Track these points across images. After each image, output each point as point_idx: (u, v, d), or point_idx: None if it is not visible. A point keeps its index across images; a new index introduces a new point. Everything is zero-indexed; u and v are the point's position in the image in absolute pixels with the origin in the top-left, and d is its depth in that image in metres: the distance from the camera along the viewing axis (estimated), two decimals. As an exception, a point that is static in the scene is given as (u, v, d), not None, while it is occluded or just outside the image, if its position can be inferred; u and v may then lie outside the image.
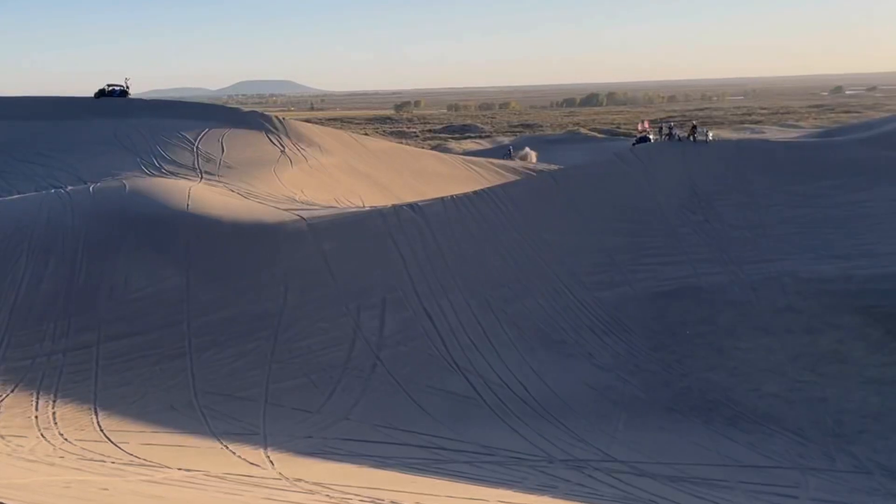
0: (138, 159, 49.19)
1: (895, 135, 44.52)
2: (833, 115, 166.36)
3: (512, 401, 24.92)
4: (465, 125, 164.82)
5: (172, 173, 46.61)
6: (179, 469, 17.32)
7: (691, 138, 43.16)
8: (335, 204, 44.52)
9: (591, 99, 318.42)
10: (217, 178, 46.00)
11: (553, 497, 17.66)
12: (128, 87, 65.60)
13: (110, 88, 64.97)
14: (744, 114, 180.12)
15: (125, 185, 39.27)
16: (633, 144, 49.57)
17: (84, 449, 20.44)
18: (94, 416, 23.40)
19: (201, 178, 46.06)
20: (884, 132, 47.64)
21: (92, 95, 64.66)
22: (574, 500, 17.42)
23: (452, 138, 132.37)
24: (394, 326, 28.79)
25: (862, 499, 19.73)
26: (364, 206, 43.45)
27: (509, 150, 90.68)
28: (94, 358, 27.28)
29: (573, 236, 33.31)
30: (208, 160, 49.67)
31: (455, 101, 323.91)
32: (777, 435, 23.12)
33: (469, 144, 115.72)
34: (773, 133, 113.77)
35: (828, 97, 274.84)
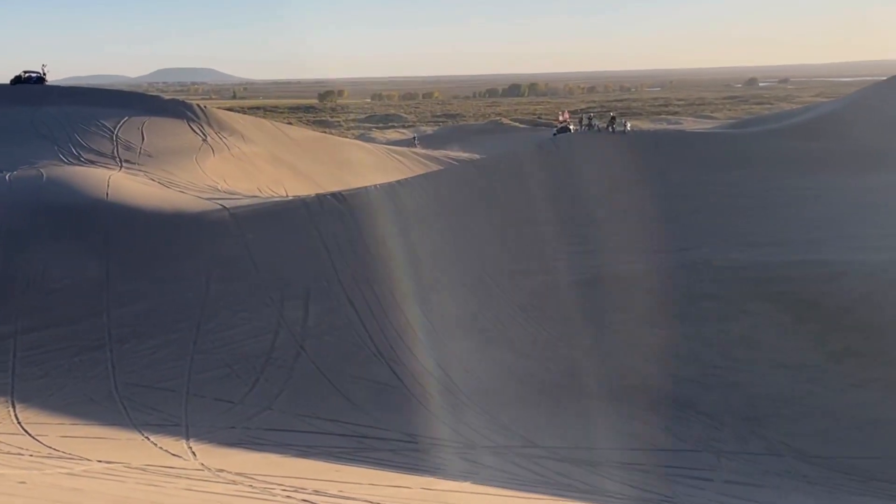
0: (56, 147, 48.11)
1: (806, 126, 45.95)
2: (747, 106, 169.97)
3: (435, 388, 25.04)
4: (388, 115, 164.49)
5: (91, 162, 45.74)
6: (99, 461, 17.12)
7: (610, 129, 43.92)
8: (258, 193, 44.24)
9: (513, 89, 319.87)
10: (137, 167, 45.30)
11: (475, 483, 17.88)
12: (45, 74, 64.10)
13: (27, 75, 63.47)
14: (661, 105, 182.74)
15: (42, 174, 38.49)
16: (554, 134, 50.19)
17: (1, 442, 20.08)
18: (10, 409, 22.95)
19: (121, 166, 45.31)
20: (795, 123, 49.13)
21: (7, 82, 63.07)
22: (496, 486, 17.65)
23: (376, 128, 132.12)
24: (318, 316, 28.75)
25: (774, 480, 20.39)
26: (287, 196, 43.27)
27: (414, 140, 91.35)
28: (10, 350, 26.74)
29: (495, 225, 33.66)
30: (128, 149, 48.85)
31: (379, 91, 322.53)
32: (692, 419, 23.67)
33: (392, 134, 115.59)
34: (689, 124, 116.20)
35: (742, 89, 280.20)
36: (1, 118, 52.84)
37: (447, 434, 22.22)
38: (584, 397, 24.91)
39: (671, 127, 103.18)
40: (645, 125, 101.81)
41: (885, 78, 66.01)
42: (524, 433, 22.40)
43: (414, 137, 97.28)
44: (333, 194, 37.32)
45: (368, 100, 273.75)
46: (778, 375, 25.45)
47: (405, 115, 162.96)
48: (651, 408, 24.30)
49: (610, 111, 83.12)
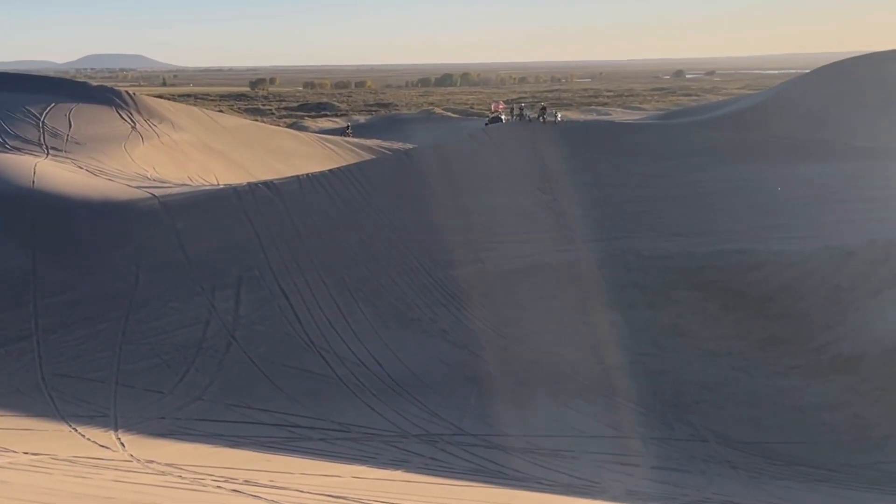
0: (-22, 134, 47.06)
1: (731, 117, 46.87)
2: (674, 97, 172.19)
3: (367, 378, 25.17)
4: (321, 103, 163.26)
5: (17, 149, 44.77)
6: (25, 453, 16.88)
7: (541, 119, 44.32)
8: (189, 182, 43.78)
9: (445, 79, 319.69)
10: (64, 155, 44.49)
11: (406, 472, 18.01)
12: None
13: None
14: (591, 96, 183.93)
15: (-35, 161, 37.63)
16: (486, 124, 50.51)
17: (-77, 435, 19.70)
18: (-68, 401, 22.51)
19: (47, 154, 44.45)
20: (720, 115, 50.14)
21: None
22: (427, 475, 17.81)
23: (308, 116, 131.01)
24: (249, 306, 28.64)
25: (699, 465, 20.86)
26: (219, 184, 42.90)
27: (347, 129, 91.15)
28: (-69, 341, 26.19)
29: (427, 215, 33.80)
30: (55, 136, 47.94)
31: (311, 80, 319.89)
32: (620, 406, 24.10)
33: (325, 123, 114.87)
34: (619, 115, 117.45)
35: (669, 80, 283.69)
36: (-78, 104, 51.48)
37: (379, 423, 22.31)
38: (514, 385, 25.20)
39: (601, 118, 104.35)
40: (575, 116, 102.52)
41: (808, 71, 67.60)
42: (455, 421, 22.59)
43: (347, 126, 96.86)
44: (265, 183, 37.14)
45: (300, 88, 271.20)
46: (704, 363, 26.06)
47: (337, 104, 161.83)
48: (580, 395, 24.67)
49: (541, 102, 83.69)
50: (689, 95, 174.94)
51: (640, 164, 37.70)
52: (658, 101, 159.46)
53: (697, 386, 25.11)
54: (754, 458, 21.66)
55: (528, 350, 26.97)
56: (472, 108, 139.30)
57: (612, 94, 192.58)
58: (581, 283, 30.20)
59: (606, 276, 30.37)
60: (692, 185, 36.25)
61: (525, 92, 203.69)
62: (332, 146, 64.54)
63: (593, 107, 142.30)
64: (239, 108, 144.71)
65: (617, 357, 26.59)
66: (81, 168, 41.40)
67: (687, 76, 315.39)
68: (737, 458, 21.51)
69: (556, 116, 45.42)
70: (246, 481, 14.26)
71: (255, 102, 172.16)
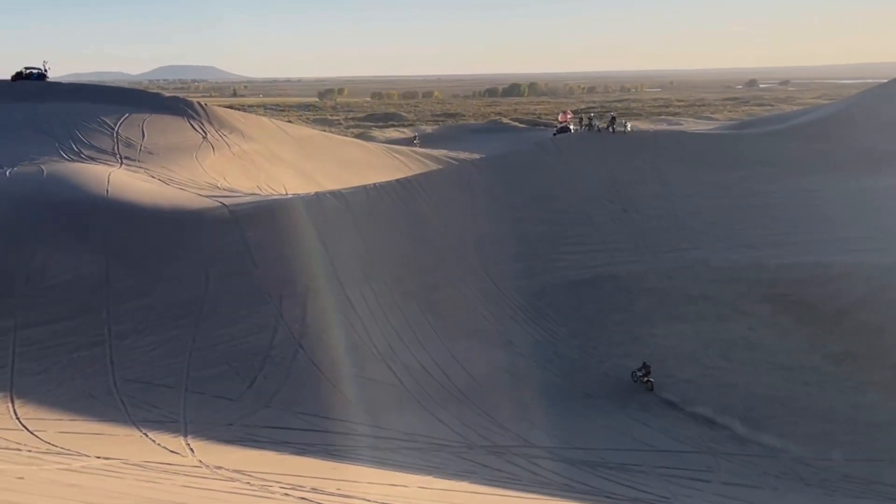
0: (57, 144, 48.05)
1: (806, 128, 45.91)
2: (747, 107, 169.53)
3: (433, 388, 25.08)
4: (388, 114, 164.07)
5: (92, 158, 45.68)
6: (98, 457, 17.12)
7: (610, 129, 43.88)
8: (258, 191, 44.20)
9: (512, 89, 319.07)
10: (137, 164, 45.25)
11: (472, 483, 17.87)
12: (46, 71, 63.98)
13: (28, 71, 63.36)
14: (661, 106, 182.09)
15: (43, 170, 38.47)
16: (554, 134, 50.19)
17: (0, 437, 20.09)
18: (10, 404, 22.93)
19: (121, 163, 45.26)
20: (794, 125, 49.12)
21: (9, 78, 62.97)
22: (493, 486, 17.65)
23: (376, 126, 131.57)
24: (316, 314, 28.73)
25: (770, 482, 20.39)
26: (287, 194, 43.22)
27: (414, 139, 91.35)
28: (10, 345, 26.70)
29: (494, 225, 33.64)
30: (128, 145, 48.82)
31: (379, 90, 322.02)
32: (690, 421, 23.69)
33: (392, 133, 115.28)
34: (690, 125, 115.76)
35: (742, 90, 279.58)
36: (2, 115, 52.75)
37: (445, 433, 22.20)
38: (582, 397, 24.95)
39: (671, 128, 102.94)
40: (645, 126, 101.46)
41: (885, 80, 66.00)
42: (521, 433, 22.39)
43: (415, 136, 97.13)
44: (333, 193, 37.30)
45: (368, 98, 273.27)
46: (776, 377, 25.49)
47: (405, 115, 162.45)
48: (649, 409, 24.33)
49: (610, 111, 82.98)
50: (763, 105, 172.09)
51: (711, 175, 37.13)
52: (730, 111, 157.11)
53: (769, 400, 24.57)
54: (828, 475, 21.09)
55: (595, 362, 26.68)
56: (539, 118, 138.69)
57: (683, 103, 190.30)
58: (650, 295, 29.80)
59: (676, 287, 29.93)
60: (765, 196, 35.59)
61: (594, 102, 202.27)
62: (400, 156, 64.76)
63: (664, 117, 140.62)
64: (307, 119, 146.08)
65: (686, 370, 26.16)
66: (154, 177, 42.07)
67: (760, 86, 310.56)
68: (810, 475, 20.98)
69: (625, 126, 44.93)
70: (313, 489, 14.25)
71: (324, 113, 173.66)
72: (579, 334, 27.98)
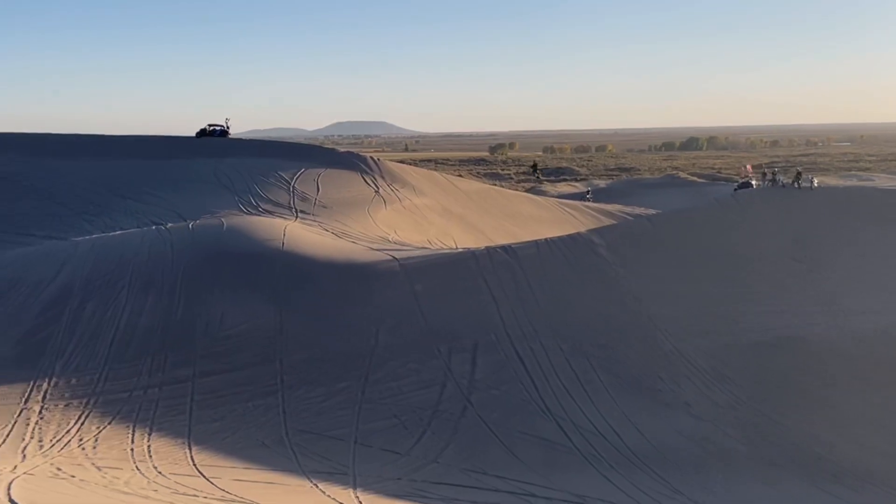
0: (236, 197, 49.98)
1: None
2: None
3: (605, 448, 24.29)
4: (560, 168, 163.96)
5: (269, 212, 47.21)
6: (271, 508, 17.20)
7: (796, 184, 42.12)
8: (428, 245, 44.50)
9: (690, 143, 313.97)
10: (312, 217, 46.43)
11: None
12: (228, 128, 67.02)
13: (211, 128, 66.53)
14: (850, 160, 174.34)
15: (223, 223, 39.92)
16: (735, 189, 48.74)
17: (177, 483, 20.51)
18: (187, 451, 23.50)
19: (296, 216, 46.55)
20: None
21: (194, 135, 66.26)
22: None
23: (547, 181, 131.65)
24: (485, 369, 28.39)
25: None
26: (457, 248, 43.31)
27: (587, 194, 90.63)
28: (188, 393, 27.49)
29: (671, 282, 32.57)
30: (304, 199, 50.24)
31: (550, 144, 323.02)
32: (882, 493, 22.22)
33: (564, 187, 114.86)
34: (883, 180, 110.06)
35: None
36: (186, 169, 55.46)
37: (617, 496, 21.41)
38: (764, 464, 23.67)
39: (862, 183, 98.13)
40: (833, 181, 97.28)
41: None
42: (698, 499, 21.42)
43: (587, 191, 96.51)
44: (503, 247, 37.05)
45: (540, 153, 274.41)
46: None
47: (577, 169, 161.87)
48: (838, 479, 22.87)
49: (795, 166, 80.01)
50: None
51: (907, 234, 34.84)
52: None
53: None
54: None
55: (780, 428, 25.23)
56: (719, 172, 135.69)
57: (874, 158, 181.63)
58: (838, 359, 28.09)
59: (865, 351, 28.16)
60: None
61: (777, 156, 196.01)
62: (572, 211, 64.24)
63: (853, 172, 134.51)
64: (478, 173, 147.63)
65: (877, 438, 24.44)
66: (327, 230, 42.98)
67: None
68: None
69: (812, 181, 43.01)
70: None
71: (495, 167, 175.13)
72: (762, 398, 26.58)
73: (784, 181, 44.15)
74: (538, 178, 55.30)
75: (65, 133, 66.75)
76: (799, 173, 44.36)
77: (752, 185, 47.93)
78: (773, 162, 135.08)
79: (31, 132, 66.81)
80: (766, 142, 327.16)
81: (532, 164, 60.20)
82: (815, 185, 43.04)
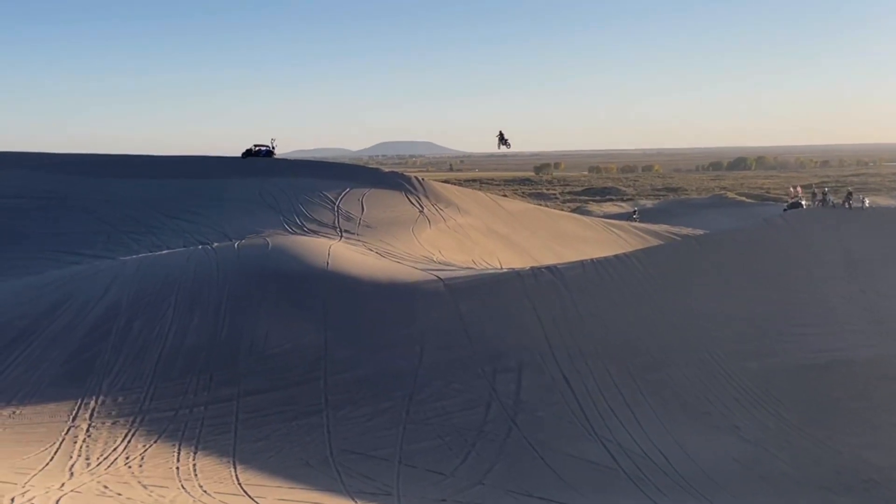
0: (281, 217, 50.29)
1: None
2: None
3: (653, 472, 23.99)
4: (605, 188, 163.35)
5: (314, 231, 47.41)
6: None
7: (846, 205, 41.46)
8: (472, 265, 44.38)
9: (738, 162, 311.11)
10: (356, 237, 46.55)
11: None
12: (273, 148, 67.59)
13: (257, 148, 67.14)
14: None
15: (268, 243, 40.12)
16: (785, 210, 48.09)
17: (223, 502, 20.57)
18: (232, 470, 23.53)
19: (341, 236, 46.70)
20: None
21: (239, 155, 66.90)
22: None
23: (593, 201, 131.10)
24: (530, 390, 28.18)
25: None
26: (502, 268, 43.15)
27: (634, 214, 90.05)
28: (234, 412, 27.56)
29: (719, 303, 32.13)
30: (348, 219, 50.41)
31: (596, 164, 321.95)
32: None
33: (610, 207, 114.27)
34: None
35: None
36: (232, 189, 55.95)
37: (665, 521, 21.04)
38: (816, 490, 23.25)
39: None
40: (885, 202, 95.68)
41: None
42: (750, 526, 20.95)
43: (634, 211, 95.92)
44: (548, 267, 36.82)
45: (585, 172, 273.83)
46: None
47: (623, 189, 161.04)
48: (889, 505, 22.28)
49: (846, 186, 78.83)
50: None
51: (962, 254, 34.08)
52: None
53: None
54: None
55: (831, 452, 24.73)
56: (768, 192, 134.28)
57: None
58: (891, 383, 27.53)
59: (921, 376, 27.52)
60: None
61: (827, 176, 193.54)
62: (618, 231, 63.81)
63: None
64: (523, 193, 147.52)
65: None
66: (371, 250, 43.04)
67: None
68: None
69: (863, 202, 42.31)
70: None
71: (540, 187, 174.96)
72: (813, 422, 26.09)
73: (834, 201, 43.48)
74: (507, 144, 55.05)
75: (113, 153, 67.88)
76: (850, 193, 43.65)
77: (801, 206, 47.28)
78: (822, 182, 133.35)
79: (79, 152, 67.91)
80: (815, 162, 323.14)
81: (498, 132, 60.03)
82: (867, 205, 42.34)
